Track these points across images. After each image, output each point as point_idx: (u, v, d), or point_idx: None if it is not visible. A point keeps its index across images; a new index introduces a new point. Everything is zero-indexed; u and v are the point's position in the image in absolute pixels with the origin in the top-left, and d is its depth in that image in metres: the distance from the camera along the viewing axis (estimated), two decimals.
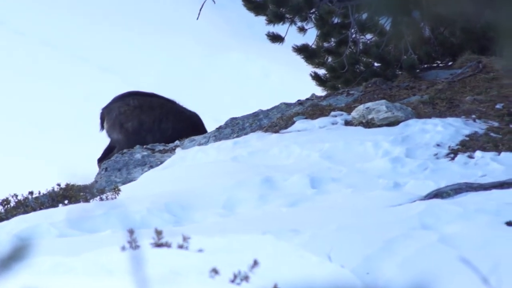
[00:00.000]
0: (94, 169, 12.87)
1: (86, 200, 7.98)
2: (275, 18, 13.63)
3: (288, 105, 12.51)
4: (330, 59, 14.10)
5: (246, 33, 23.91)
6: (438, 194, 7.45)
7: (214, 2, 14.05)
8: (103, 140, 13.55)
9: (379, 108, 10.67)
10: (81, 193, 8.12)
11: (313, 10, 13.64)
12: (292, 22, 13.70)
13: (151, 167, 11.31)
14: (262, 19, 13.80)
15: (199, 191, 7.91)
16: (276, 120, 11.59)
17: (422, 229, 5.98)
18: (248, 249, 3.55)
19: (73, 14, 25.05)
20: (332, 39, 13.95)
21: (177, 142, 12.50)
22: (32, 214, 7.25)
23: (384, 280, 4.99)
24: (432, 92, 11.76)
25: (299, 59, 14.14)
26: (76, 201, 7.98)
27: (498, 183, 7.68)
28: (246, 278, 3.04)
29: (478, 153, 9.09)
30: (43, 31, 24.71)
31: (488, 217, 6.20)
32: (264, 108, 12.75)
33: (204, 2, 14.07)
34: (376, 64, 13.55)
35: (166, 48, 25.00)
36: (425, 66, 13.66)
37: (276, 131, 10.90)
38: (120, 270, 3.04)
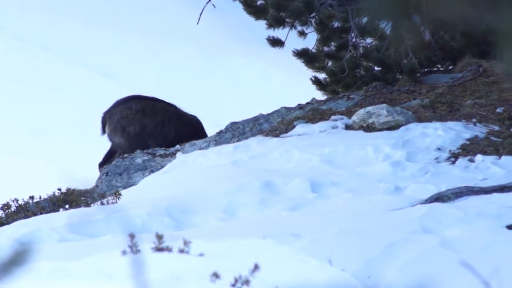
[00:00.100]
0: (95, 173, 12.87)
1: (87, 205, 7.98)
2: (275, 22, 13.63)
3: (288, 109, 12.51)
4: (330, 63, 14.09)
5: (246, 38, 23.91)
6: (439, 198, 7.45)
7: (214, 7, 14.06)
8: (103, 145, 13.55)
9: (380, 112, 10.67)
10: (82, 198, 8.12)
11: (313, 14, 13.64)
12: (292, 26, 13.70)
13: (152, 171, 11.31)
14: (262, 23, 13.81)
15: (200, 195, 7.91)
16: (277, 124, 11.59)
17: (423, 233, 5.98)
18: (249, 253, 3.55)
19: (73, 19, 25.07)
20: (332, 43, 13.95)
21: (177, 146, 12.49)
22: (33, 218, 7.25)
23: (385, 284, 4.98)
24: (432, 96, 11.76)
25: (299, 63, 14.15)
26: (77, 205, 7.98)
27: (498, 187, 7.68)
28: (247, 282, 3.04)
29: (478, 157, 9.09)
30: (43, 36, 24.71)
31: (489, 221, 6.19)
32: (265, 112, 12.75)
33: (204, 6, 14.09)
34: (376, 68, 13.54)
35: (166, 53, 25.01)
36: (426, 70, 13.66)
37: (277, 135, 10.90)
38: (120, 275, 3.04)
